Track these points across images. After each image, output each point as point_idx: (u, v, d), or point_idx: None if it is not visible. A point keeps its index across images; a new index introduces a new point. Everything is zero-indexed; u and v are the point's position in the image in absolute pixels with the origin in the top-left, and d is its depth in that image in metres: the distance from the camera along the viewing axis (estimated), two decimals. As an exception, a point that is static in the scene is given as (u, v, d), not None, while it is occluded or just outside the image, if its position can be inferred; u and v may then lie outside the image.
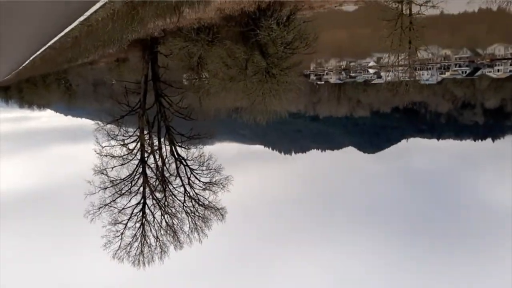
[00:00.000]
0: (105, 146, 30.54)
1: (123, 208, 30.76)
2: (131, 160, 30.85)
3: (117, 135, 30.84)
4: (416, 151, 41.09)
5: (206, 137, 30.95)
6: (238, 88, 19.89)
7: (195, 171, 32.02)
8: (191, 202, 30.79)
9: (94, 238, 29.36)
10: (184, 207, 30.87)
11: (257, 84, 18.94)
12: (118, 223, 30.02)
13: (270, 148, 50.19)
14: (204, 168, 31.80)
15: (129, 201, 31.00)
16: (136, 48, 29.85)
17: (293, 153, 48.98)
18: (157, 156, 31.17)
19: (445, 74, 56.92)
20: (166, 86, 32.03)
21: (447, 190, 30.71)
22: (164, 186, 30.92)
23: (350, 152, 46.06)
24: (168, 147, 31.30)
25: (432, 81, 55.49)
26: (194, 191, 30.88)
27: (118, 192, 29.82)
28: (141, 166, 31.10)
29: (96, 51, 21.98)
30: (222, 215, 30.11)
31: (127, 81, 33.10)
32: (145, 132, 31.69)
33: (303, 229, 28.22)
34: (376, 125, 54.70)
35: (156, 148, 30.35)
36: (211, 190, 30.81)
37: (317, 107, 56.54)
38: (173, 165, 31.76)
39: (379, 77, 73.58)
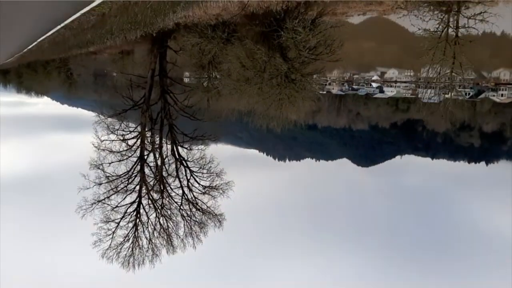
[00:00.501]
0: (104, 140, 29.10)
1: (116, 206, 29.38)
2: (129, 156, 29.50)
3: (118, 129, 29.45)
4: (409, 169, 41.27)
5: (210, 139, 29.72)
6: (252, 91, 18.69)
7: (195, 173, 30.74)
8: (189, 206, 29.48)
9: (83, 234, 28.14)
10: (181, 210, 29.56)
11: (275, 88, 17.77)
12: (110, 221, 28.65)
13: (265, 153, 50.17)
14: (205, 171, 30.55)
15: (124, 199, 29.64)
16: (144, 41, 28.61)
17: (287, 160, 48.97)
18: (157, 155, 29.83)
19: (448, 94, 56.59)
20: (173, 83, 30.79)
21: (436, 210, 30.98)
22: (161, 186, 29.56)
23: (344, 164, 46.52)
24: (169, 146, 29.94)
25: (434, 100, 55.03)
26: (192, 194, 29.58)
27: (114, 189, 28.40)
28: (139, 163, 29.74)
29: (117, 36, 20.69)
30: (220, 221, 28.85)
31: (132, 75, 31.81)
32: (147, 128, 30.34)
33: (289, 239, 28.00)
34: (373, 139, 54.77)
35: (157, 146, 29.01)
36: (210, 195, 29.54)
37: (316, 116, 56.02)
38: (173, 166, 30.43)
39: (381, 91, 73.09)
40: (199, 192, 29.64)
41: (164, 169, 29.91)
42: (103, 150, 29.36)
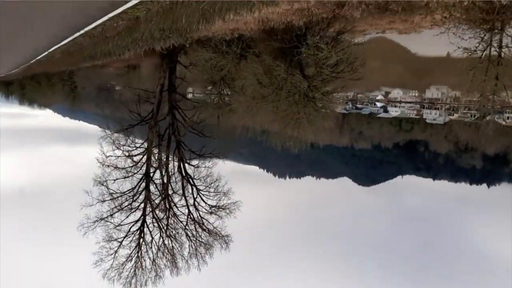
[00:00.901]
0: (109, 156, 28.16)
1: (119, 224, 28.31)
2: (135, 173, 28.52)
3: (124, 145, 28.54)
4: (410, 189, 40.82)
5: (218, 156, 28.79)
6: (268, 109, 17.85)
7: (202, 191, 29.72)
8: (194, 226, 28.40)
9: (84, 253, 27.09)
10: (186, 230, 28.47)
11: (293, 107, 16.93)
12: (113, 240, 27.55)
13: (265, 170, 49.44)
14: (212, 189, 29.53)
15: (127, 217, 28.58)
16: (152, 56, 27.95)
17: (287, 178, 48.37)
18: (163, 172, 28.86)
19: (453, 115, 56.13)
20: (181, 99, 30.02)
21: (437, 231, 30.73)
22: (167, 205, 28.51)
23: (345, 183, 46.21)
24: (176, 163, 28.98)
25: (439, 121, 54.71)
26: (199, 213, 28.51)
27: (117, 207, 27.36)
28: (144, 180, 28.74)
29: (143, 46, 19.58)
30: (226, 243, 27.76)
31: (140, 89, 30.99)
32: (154, 144, 29.43)
33: (287, 257, 27.42)
34: (374, 159, 53.54)
35: (163, 163, 28.06)
36: (217, 215, 28.50)
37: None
38: (179, 183, 29.42)
39: (386, 111, 72.60)
40: (206, 211, 28.62)
41: (170, 187, 28.92)
42: (108, 166, 28.40)
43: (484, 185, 38.38)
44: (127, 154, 28.78)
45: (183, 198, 29.16)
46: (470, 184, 39.76)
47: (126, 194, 28.98)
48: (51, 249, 28.31)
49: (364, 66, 16.67)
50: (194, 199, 28.84)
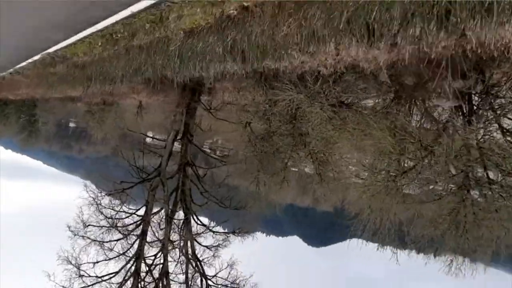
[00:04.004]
0: (88, 226, 19.51)
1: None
2: (121, 254, 19.91)
3: (117, 209, 20.12)
4: (358, 254, 41.06)
5: (243, 233, 21.00)
6: (395, 195, 10.75)
7: (210, 280, 21.29)
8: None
9: None
10: None
11: (451, 202, 9.99)
12: None
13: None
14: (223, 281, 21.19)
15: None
16: (158, 92, 20.67)
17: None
18: (160, 254, 20.45)
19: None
20: (197, 152, 22.32)
21: None
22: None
23: (294, 242, 46.87)
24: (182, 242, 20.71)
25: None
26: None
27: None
28: (134, 265, 20.10)
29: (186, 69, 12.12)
30: None
31: (145, 135, 23.00)
32: (153, 211, 21.00)
33: None
34: (326, 220, 50.78)
35: (167, 243, 19.74)
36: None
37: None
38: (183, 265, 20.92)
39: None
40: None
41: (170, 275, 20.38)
42: (86, 239, 19.64)
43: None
44: (113, 223, 20.25)
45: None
46: (418, 252, 40.70)
47: (104, 281, 20.09)
48: None
49: None
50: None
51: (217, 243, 21.36)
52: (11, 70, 31.96)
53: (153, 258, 20.34)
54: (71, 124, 62.73)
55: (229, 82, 18.76)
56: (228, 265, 21.14)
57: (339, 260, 40.14)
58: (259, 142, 17.94)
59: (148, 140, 23.46)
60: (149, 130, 27.30)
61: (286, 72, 13.86)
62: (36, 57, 23.87)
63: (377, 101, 12.40)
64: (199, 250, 21.57)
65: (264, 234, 43.48)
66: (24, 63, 27.64)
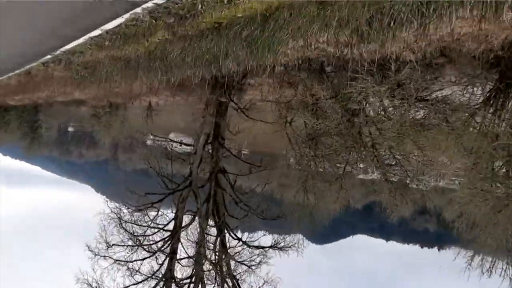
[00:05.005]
0: (112, 246, 17.07)
1: None
2: (149, 277, 17.46)
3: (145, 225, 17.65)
4: (362, 250, 40.79)
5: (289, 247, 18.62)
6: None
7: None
8: None
9: None
10: None
11: None
12: None
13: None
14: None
15: None
16: (177, 89, 18.44)
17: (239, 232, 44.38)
18: (194, 272, 17.99)
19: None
20: (229, 158, 19.77)
21: None
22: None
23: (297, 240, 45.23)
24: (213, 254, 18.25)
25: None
26: None
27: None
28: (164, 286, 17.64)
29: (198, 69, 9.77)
30: None
31: (173, 140, 20.41)
32: (183, 225, 18.50)
33: None
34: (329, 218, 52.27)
35: (201, 260, 17.30)
36: None
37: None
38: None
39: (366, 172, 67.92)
40: None
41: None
42: (108, 259, 17.16)
43: (435, 249, 37.47)
44: (139, 241, 17.78)
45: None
46: (422, 247, 39.84)
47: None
48: None
49: None
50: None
51: (259, 260, 18.85)
52: (13, 73, 29.88)
53: (186, 279, 17.85)
54: (70, 129, 60.24)
55: (270, 77, 16.29)
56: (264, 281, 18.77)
57: (342, 256, 39.84)
58: (306, 143, 15.52)
59: (174, 145, 20.90)
60: (167, 133, 24.73)
61: (355, 60, 11.44)
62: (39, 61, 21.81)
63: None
64: (234, 266, 19.19)
65: (267, 233, 44.10)
66: (27, 67, 25.70)
